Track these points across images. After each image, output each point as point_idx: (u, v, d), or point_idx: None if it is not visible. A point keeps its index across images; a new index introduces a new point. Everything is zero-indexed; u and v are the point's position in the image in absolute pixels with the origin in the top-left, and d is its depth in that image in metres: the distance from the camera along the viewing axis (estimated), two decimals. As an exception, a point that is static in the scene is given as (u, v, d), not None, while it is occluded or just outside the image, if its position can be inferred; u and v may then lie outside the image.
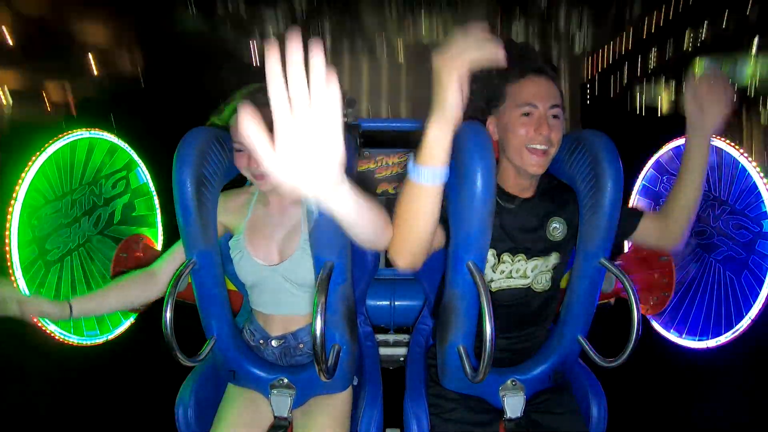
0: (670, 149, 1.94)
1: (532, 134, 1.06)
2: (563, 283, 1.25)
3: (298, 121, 0.49)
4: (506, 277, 1.15)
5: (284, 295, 1.18)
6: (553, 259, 1.17)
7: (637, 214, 1.17)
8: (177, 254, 1.19)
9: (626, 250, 2.00)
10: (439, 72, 0.73)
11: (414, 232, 0.87)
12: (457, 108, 0.75)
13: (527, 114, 1.06)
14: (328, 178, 0.55)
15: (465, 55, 0.72)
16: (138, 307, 1.20)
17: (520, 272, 1.16)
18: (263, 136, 0.49)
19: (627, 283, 1.04)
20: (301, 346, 1.21)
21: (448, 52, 0.72)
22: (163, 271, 1.19)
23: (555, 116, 1.07)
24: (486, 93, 1.10)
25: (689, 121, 1.02)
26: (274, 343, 1.21)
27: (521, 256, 1.15)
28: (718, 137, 1.13)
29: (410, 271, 0.95)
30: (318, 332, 0.92)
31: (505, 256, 1.14)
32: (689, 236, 1.63)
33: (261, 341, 1.22)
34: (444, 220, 1.02)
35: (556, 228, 1.15)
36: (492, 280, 1.15)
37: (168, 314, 1.02)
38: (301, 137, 0.50)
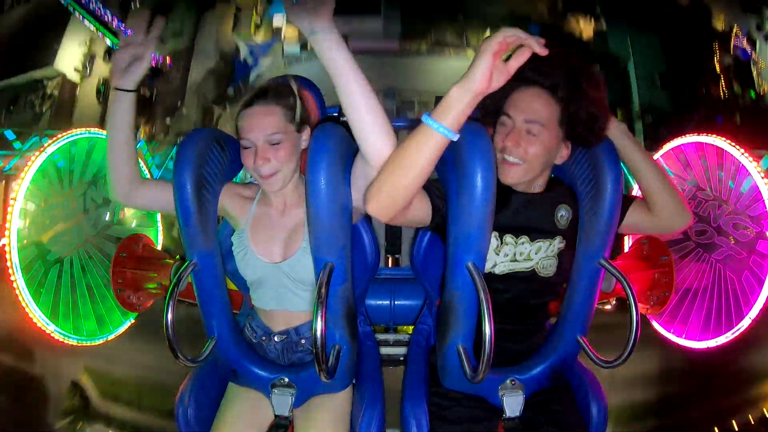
0: (670, 149, 1.94)
1: (501, 145, 1.06)
2: None
3: None
4: (510, 260, 1.14)
5: (286, 292, 1.18)
6: (558, 242, 1.15)
7: (625, 204, 1.15)
8: (162, 189, 1.14)
9: (626, 249, 2.00)
10: (479, 49, 0.82)
11: (402, 175, 0.88)
12: (482, 79, 0.80)
13: (503, 124, 1.08)
14: (319, 19, 0.83)
15: (502, 32, 0.80)
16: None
17: (524, 255, 1.14)
18: None
19: (626, 284, 1.04)
20: (302, 341, 1.21)
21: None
22: (145, 186, 1.14)
23: (529, 131, 1.05)
24: (490, 102, 1.07)
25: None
26: (276, 338, 1.21)
27: (525, 238, 1.13)
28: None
29: (377, 217, 0.94)
30: (318, 334, 0.92)
31: (508, 238, 1.13)
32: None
33: (263, 337, 1.23)
34: (431, 194, 1.04)
35: (563, 216, 1.15)
36: (495, 264, 1.14)
37: (169, 315, 1.03)
38: None
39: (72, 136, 1.79)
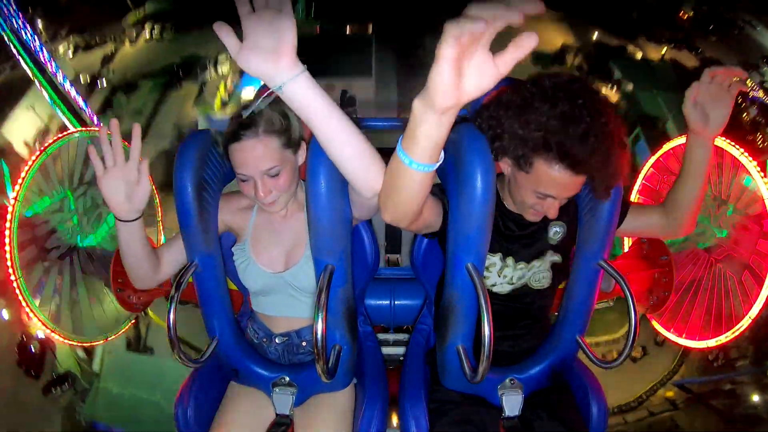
0: (670, 148, 1.94)
1: (540, 210, 1.03)
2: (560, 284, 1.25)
3: (257, 19, 0.66)
4: (508, 283, 1.16)
5: (288, 300, 1.18)
6: (550, 257, 1.17)
7: (623, 211, 1.14)
8: (176, 249, 1.14)
9: (626, 249, 2.00)
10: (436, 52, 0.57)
11: (400, 199, 0.81)
12: (443, 93, 0.59)
13: (542, 197, 1.00)
14: (283, 62, 0.69)
15: (459, 28, 0.53)
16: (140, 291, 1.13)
17: (523, 279, 1.17)
18: (233, 40, 0.67)
19: (624, 285, 1.04)
20: (303, 344, 1.22)
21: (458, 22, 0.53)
22: (165, 261, 1.14)
23: (566, 199, 1.01)
24: (516, 141, 0.94)
25: (691, 125, 0.98)
26: (277, 340, 1.22)
27: (522, 264, 1.15)
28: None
29: (397, 225, 0.90)
30: (319, 335, 0.92)
31: (509, 260, 1.15)
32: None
33: (264, 339, 1.23)
34: (438, 193, 1.03)
35: (557, 232, 1.15)
36: (494, 284, 1.16)
37: (171, 316, 1.03)
38: (259, 30, 0.67)
39: (72, 136, 1.79)
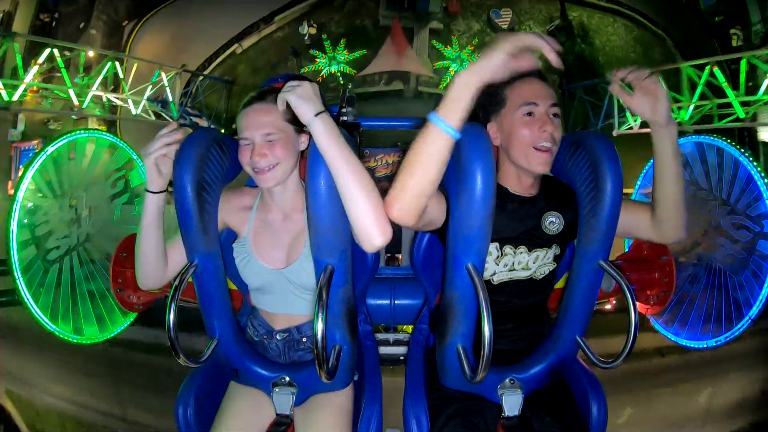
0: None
1: (537, 133, 1.07)
2: (560, 284, 1.25)
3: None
4: (509, 270, 1.16)
5: (289, 297, 1.19)
6: (554, 250, 1.18)
7: None
8: (183, 251, 1.14)
9: (627, 249, 2.00)
10: (495, 41, 0.84)
11: (416, 177, 0.90)
12: (494, 70, 0.83)
13: (530, 114, 1.08)
14: (310, 106, 0.95)
15: (524, 37, 0.83)
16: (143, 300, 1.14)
17: (522, 264, 1.16)
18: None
19: (624, 286, 1.04)
20: (304, 339, 1.22)
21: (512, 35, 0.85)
22: (172, 260, 1.15)
23: (555, 115, 1.09)
24: (485, 98, 1.10)
25: (645, 118, 1.02)
26: (278, 336, 1.22)
27: (523, 248, 1.15)
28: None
29: (401, 223, 0.96)
30: (319, 336, 0.92)
31: (507, 249, 1.15)
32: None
33: (265, 336, 1.23)
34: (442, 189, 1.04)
35: (552, 222, 1.16)
36: (494, 273, 1.16)
37: (171, 316, 1.03)
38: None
39: (72, 135, 1.79)
